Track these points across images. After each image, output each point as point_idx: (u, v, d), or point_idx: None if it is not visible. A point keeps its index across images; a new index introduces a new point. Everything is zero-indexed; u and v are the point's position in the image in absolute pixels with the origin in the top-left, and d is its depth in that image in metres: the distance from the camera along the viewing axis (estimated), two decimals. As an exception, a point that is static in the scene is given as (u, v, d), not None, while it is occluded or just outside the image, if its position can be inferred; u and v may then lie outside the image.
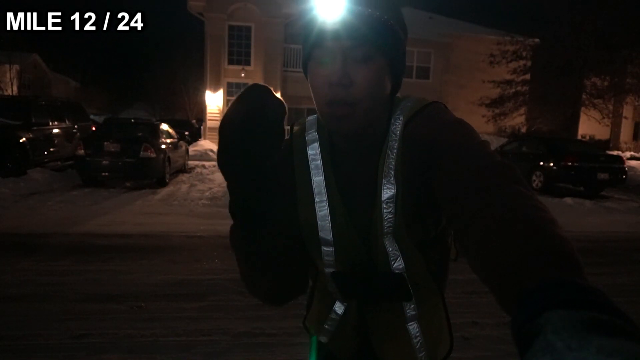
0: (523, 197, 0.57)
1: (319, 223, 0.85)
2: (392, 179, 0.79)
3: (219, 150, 0.69)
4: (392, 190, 0.79)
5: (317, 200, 0.85)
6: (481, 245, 0.54)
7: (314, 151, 0.87)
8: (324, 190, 0.85)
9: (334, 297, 0.96)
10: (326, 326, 0.97)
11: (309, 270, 0.94)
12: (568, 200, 9.21)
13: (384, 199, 0.80)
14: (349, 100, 0.74)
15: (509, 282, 0.46)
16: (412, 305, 0.89)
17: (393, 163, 0.79)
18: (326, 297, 0.97)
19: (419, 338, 0.89)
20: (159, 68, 35.79)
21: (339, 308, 0.95)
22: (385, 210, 0.80)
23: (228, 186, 0.73)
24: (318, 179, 0.85)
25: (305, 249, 0.89)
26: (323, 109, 0.77)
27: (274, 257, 0.79)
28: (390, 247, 0.82)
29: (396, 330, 0.90)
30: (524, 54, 20.48)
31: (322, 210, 0.85)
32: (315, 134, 0.88)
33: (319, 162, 0.86)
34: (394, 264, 0.84)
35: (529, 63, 20.76)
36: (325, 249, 0.87)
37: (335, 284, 0.91)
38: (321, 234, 0.86)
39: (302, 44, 0.81)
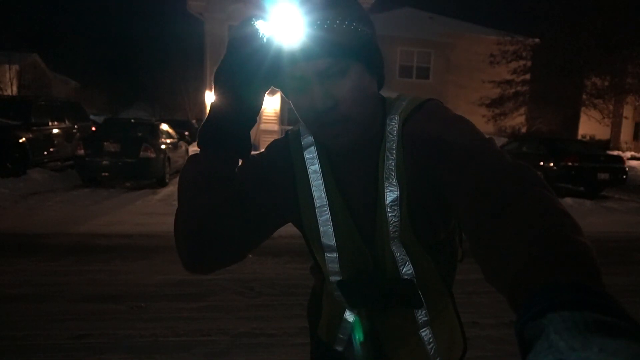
0: (544, 202, 0.54)
1: (321, 229, 0.83)
2: (394, 180, 0.76)
3: (222, 61, 0.73)
4: (396, 193, 0.76)
5: (317, 205, 0.83)
6: (498, 249, 0.52)
7: (311, 155, 0.85)
8: (324, 194, 0.82)
9: (343, 305, 0.93)
10: (340, 335, 0.94)
11: (245, 245, 0.81)
12: (568, 200, 9.21)
13: (388, 202, 0.77)
14: (340, 119, 0.71)
15: (521, 284, 0.45)
16: (424, 311, 0.86)
17: (394, 164, 0.76)
18: (335, 305, 0.95)
19: (432, 344, 0.87)
20: (159, 68, 35.92)
21: (349, 316, 0.92)
22: (389, 214, 0.77)
23: (216, 101, 0.75)
24: (317, 183, 0.83)
25: (253, 224, 0.80)
26: (316, 131, 0.75)
27: (224, 207, 0.73)
28: (398, 252, 0.80)
29: (409, 337, 0.88)
30: (524, 54, 20.53)
31: (324, 215, 0.82)
32: (311, 138, 0.86)
33: (317, 166, 0.83)
34: (402, 269, 0.81)
35: (529, 63, 20.80)
36: (328, 255, 0.84)
37: (342, 293, 0.88)
38: (323, 239, 0.83)
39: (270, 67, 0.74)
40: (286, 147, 0.88)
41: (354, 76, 0.71)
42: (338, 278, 0.86)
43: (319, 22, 0.68)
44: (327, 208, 0.82)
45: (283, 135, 0.94)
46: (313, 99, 0.70)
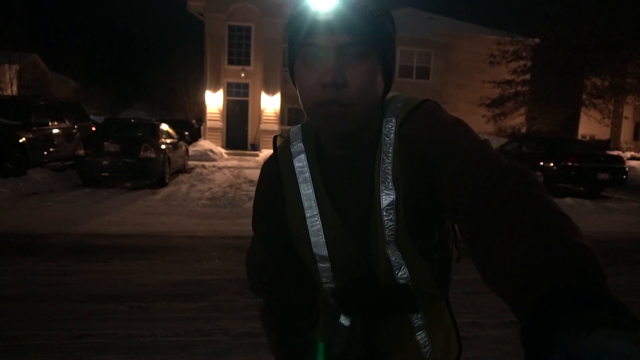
0: (543, 205, 0.53)
1: (312, 239, 0.81)
2: (390, 184, 0.75)
3: None
4: (392, 196, 0.75)
5: (308, 215, 0.81)
6: (498, 253, 0.51)
7: (300, 163, 0.82)
8: (314, 203, 0.80)
9: (338, 310, 0.93)
10: (335, 339, 0.93)
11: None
12: (568, 200, 9.20)
13: (384, 206, 0.75)
14: (344, 101, 0.69)
15: (524, 289, 0.45)
16: (419, 315, 0.86)
17: (390, 167, 0.75)
18: (331, 310, 0.94)
19: (428, 347, 0.87)
20: (159, 68, 35.89)
21: (345, 320, 0.91)
22: (385, 218, 0.76)
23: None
24: (307, 192, 0.80)
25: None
26: (314, 110, 0.72)
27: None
28: (393, 256, 0.79)
29: (404, 342, 0.88)
30: (524, 54, 20.53)
31: (315, 225, 0.80)
32: (301, 145, 0.83)
33: (307, 174, 0.81)
34: (398, 273, 0.80)
35: (529, 63, 20.81)
36: (321, 265, 0.83)
37: (336, 300, 0.88)
38: (315, 250, 0.81)
39: (288, 41, 0.74)
40: (274, 160, 0.86)
41: (369, 65, 0.70)
42: (332, 285, 0.85)
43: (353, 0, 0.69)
44: (318, 218, 0.80)
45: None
46: (324, 72, 0.68)
